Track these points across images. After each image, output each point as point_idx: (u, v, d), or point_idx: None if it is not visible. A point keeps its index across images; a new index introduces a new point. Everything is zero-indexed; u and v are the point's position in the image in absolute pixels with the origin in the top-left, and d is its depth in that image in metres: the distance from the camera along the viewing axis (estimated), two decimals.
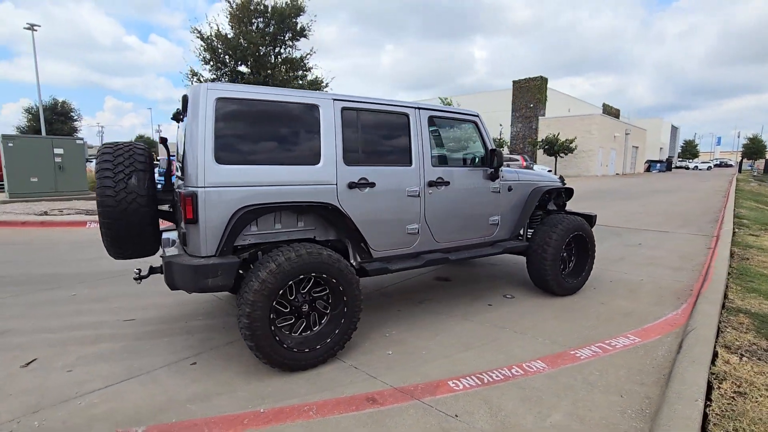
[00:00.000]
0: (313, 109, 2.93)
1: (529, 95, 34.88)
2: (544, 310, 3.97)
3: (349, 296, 2.90)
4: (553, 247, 4.05)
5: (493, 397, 2.51)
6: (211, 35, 12.36)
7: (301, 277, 2.72)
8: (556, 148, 30.79)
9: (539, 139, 32.76)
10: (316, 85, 14.85)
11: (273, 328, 2.65)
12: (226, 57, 12.74)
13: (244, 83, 12.78)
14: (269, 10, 12.95)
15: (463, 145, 4.18)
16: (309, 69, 14.53)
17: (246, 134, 2.74)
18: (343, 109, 3.06)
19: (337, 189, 3.00)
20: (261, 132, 2.79)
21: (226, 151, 2.63)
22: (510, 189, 4.05)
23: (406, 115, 3.37)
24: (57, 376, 2.77)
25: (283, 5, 12.95)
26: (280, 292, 2.65)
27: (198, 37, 12.25)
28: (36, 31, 25.48)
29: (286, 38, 13.85)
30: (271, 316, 2.63)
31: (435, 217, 3.52)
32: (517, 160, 25.50)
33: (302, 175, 2.87)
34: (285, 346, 2.70)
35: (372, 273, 3.22)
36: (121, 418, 2.33)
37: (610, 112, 45.03)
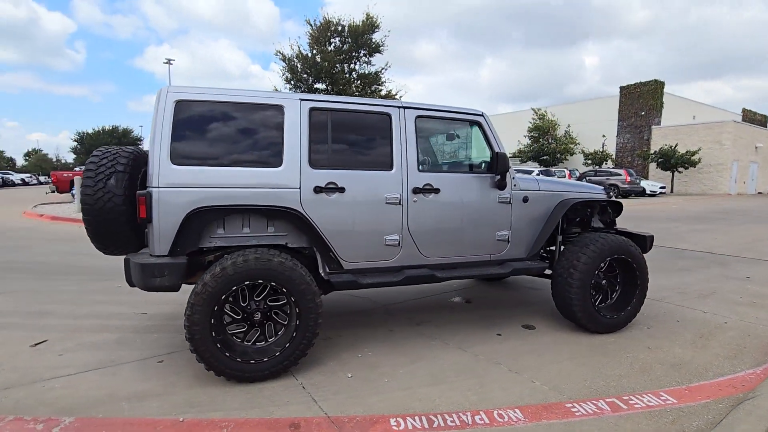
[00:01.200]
0: (277, 109, 2.83)
1: (641, 102, 30.82)
2: (563, 347, 3.27)
3: (302, 308, 2.70)
4: (580, 272, 3.34)
5: None
6: (291, 57, 13.39)
7: (247, 283, 2.60)
8: (673, 161, 26.60)
9: (651, 151, 28.65)
10: (389, 98, 15.01)
11: (214, 333, 2.56)
12: (304, 75, 13.67)
13: None
14: (346, 29, 13.58)
15: (471, 149, 3.71)
16: (382, 83, 14.81)
17: (206, 136, 2.75)
18: (312, 109, 2.90)
19: (301, 193, 2.84)
20: (221, 133, 2.77)
21: (183, 152, 2.66)
22: (526, 200, 3.46)
23: (388, 116, 3.08)
24: (47, 358, 3.04)
25: (359, 23, 13.46)
26: (223, 297, 2.56)
27: (281, 59, 13.41)
28: (172, 64, 30.40)
29: (361, 54, 14.35)
30: (212, 321, 2.55)
31: (421, 229, 3.14)
32: (620, 175, 22.69)
33: (262, 178, 2.78)
34: (227, 354, 2.59)
35: (339, 286, 2.97)
36: (63, 405, 2.42)
37: (753, 119, 37.65)
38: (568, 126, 34.34)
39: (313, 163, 2.88)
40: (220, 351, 2.57)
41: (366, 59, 14.71)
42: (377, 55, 14.99)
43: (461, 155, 3.77)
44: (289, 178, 2.82)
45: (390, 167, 3.05)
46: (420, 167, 3.14)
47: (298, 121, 2.85)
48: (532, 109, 34.91)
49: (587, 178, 23.35)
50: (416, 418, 2.31)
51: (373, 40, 14.37)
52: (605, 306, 3.61)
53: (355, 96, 13.54)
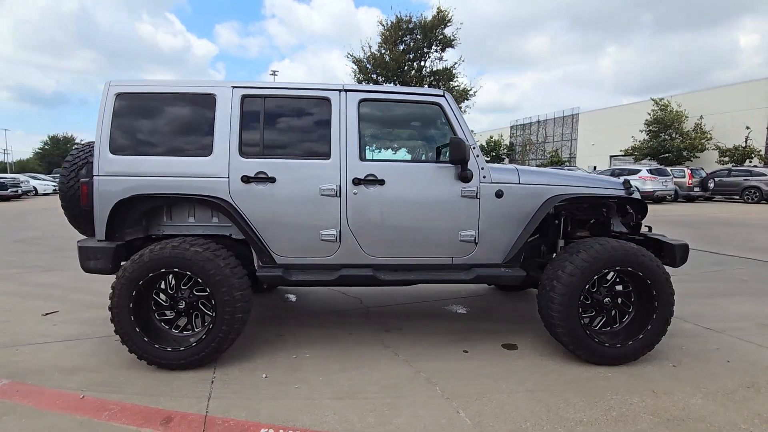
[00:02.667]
0: (209, 98, 2.80)
1: None
2: (531, 375, 2.65)
3: (217, 300, 2.62)
4: (564, 284, 2.68)
5: None
6: (362, 59, 13.61)
7: (163, 270, 2.61)
8: None
9: None
10: (464, 94, 14.34)
11: (134, 318, 2.62)
12: (373, 75, 13.77)
13: None
14: (417, 27, 13.31)
15: (435, 135, 3.23)
16: (453, 77, 14.16)
17: (143, 126, 2.83)
18: (245, 96, 2.81)
19: (230, 183, 2.77)
20: (157, 124, 2.83)
21: (122, 142, 2.78)
22: (500, 195, 2.89)
23: (327, 100, 2.84)
24: (42, 327, 3.46)
25: (429, 18, 13.06)
26: (141, 283, 2.61)
27: (352, 61, 13.72)
28: (277, 76, 33.42)
29: (431, 51, 13.93)
30: (131, 306, 2.61)
31: (363, 224, 2.83)
32: (764, 175, 18.37)
33: (193, 167, 2.77)
34: (146, 339, 2.64)
35: (266, 281, 2.84)
36: (15, 369, 2.71)
37: None
38: (700, 117, 28.93)
39: (244, 152, 2.79)
40: (139, 335, 2.63)
41: (438, 55, 14.32)
42: (450, 50, 14.48)
43: (422, 143, 3.31)
44: (218, 168, 2.77)
45: (328, 156, 2.81)
46: (362, 156, 2.83)
47: (229, 108, 2.79)
48: (652, 99, 30.20)
49: (715, 179, 19.36)
50: None
51: (446, 35, 13.87)
52: (610, 331, 2.85)
53: None
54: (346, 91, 2.85)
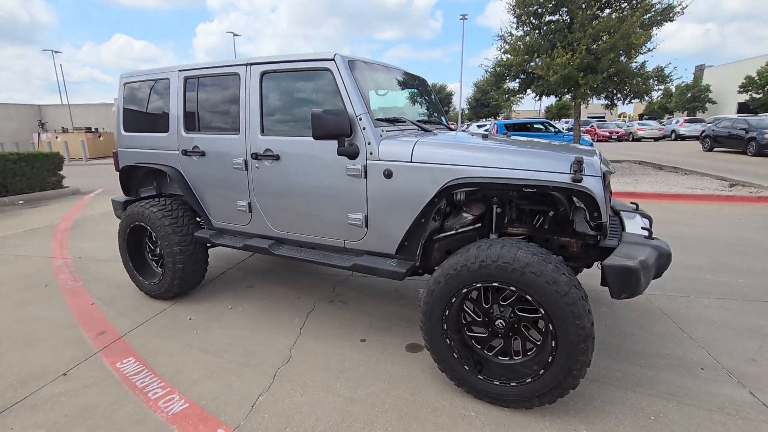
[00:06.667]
0: (166, 82, 3.29)
1: None
2: (376, 384, 2.34)
3: (162, 250, 3.28)
4: (428, 291, 2.19)
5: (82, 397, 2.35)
6: None
7: (135, 223, 3.41)
8: None
9: None
10: (665, 13, 10.47)
11: (128, 256, 3.57)
12: (533, 8, 11.33)
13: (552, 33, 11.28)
14: None
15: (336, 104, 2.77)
16: None
17: (138, 108, 3.57)
18: (186, 78, 3.16)
19: (179, 155, 3.27)
20: (144, 105, 3.52)
21: (128, 122, 3.61)
22: (389, 175, 2.43)
23: (237, 75, 2.91)
24: None
25: None
26: (128, 231, 3.50)
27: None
28: (466, 19, 32.02)
29: None
30: (126, 247, 3.55)
31: (264, 198, 2.91)
32: None
33: (159, 141, 3.39)
34: (136, 272, 3.57)
35: (196, 240, 3.30)
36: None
37: None
38: None
39: (186, 128, 3.21)
40: (131, 269, 3.59)
41: None
42: None
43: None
44: (172, 142, 3.29)
45: (238, 131, 2.95)
46: (263, 131, 2.84)
47: (176, 89, 3.21)
48: None
49: None
50: (136, 364, 2.56)
51: None
52: (494, 362, 2.17)
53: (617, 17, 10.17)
54: (251, 64, 2.86)
